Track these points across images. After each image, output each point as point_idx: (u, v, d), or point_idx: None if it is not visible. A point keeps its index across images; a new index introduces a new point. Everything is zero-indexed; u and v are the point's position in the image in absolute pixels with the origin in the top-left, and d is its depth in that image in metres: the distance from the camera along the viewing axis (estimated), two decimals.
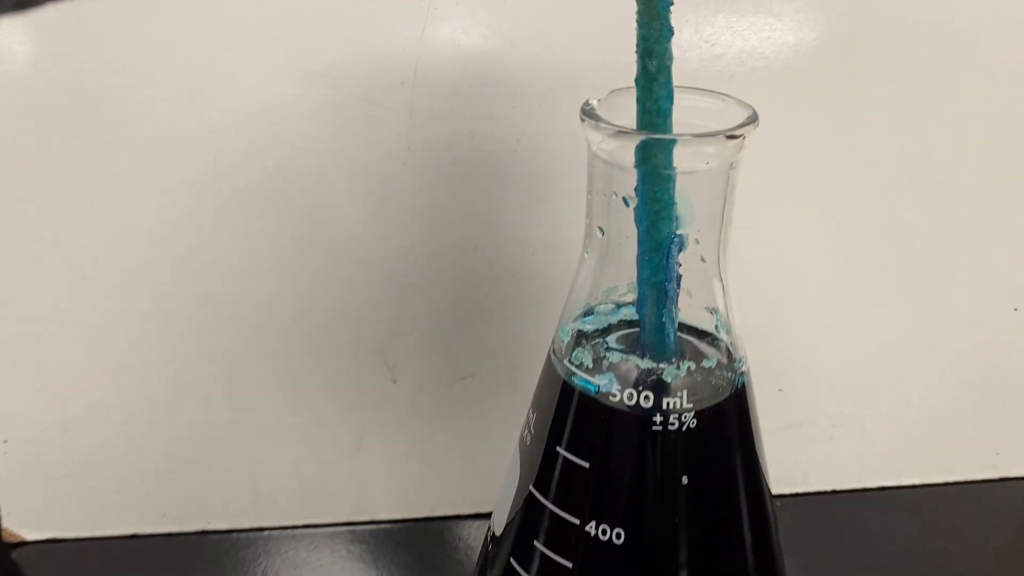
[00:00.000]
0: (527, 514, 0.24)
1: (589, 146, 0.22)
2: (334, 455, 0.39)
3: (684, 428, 0.22)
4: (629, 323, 0.24)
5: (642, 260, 0.22)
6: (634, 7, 0.21)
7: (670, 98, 0.21)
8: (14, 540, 0.39)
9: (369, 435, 0.39)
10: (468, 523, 0.40)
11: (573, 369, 0.24)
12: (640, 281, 0.23)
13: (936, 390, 0.42)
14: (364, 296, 0.37)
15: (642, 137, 0.21)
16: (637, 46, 0.21)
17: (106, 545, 0.39)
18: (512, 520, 0.25)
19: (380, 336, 0.38)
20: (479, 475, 0.40)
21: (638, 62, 0.21)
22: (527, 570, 0.24)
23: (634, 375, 0.23)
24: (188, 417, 0.38)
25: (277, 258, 0.36)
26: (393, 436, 0.39)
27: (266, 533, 0.39)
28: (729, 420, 0.23)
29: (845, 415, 0.41)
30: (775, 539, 0.25)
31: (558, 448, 0.23)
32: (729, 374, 0.24)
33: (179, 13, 0.33)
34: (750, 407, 0.24)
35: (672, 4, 0.20)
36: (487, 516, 0.28)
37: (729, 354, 0.24)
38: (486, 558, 0.27)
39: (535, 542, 0.24)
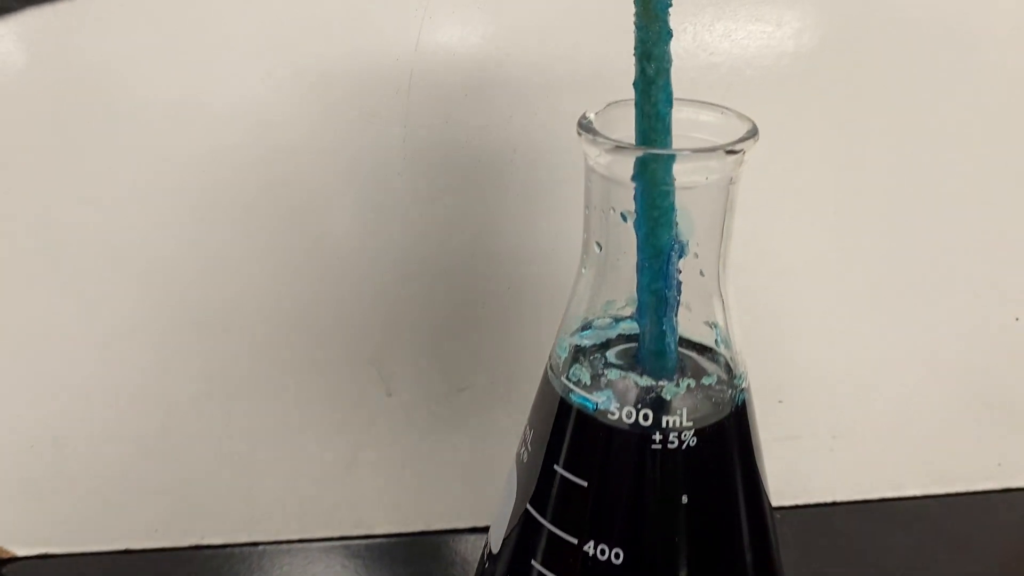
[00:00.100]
0: (524, 532, 0.24)
1: (586, 160, 0.22)
2: (329, 468, 0.39)
3: (684, 447, 0.22)
4: (628, 338, 0.24)
5: (642, 267, 0.22)
6: (631, 13, 0.20)
7: (669, 102, 0.21)
8: (5, 556, 0.38)
9: (364, 448, 0.39)
10: (465, 537, 0.40)
11: (571, 386, 0.23)
12: (640, 288, 0.22)
13: (937, 400, 0.41)
14: (358, 308, 0.37)
15: (640, 152, 0.21)
16: (635, 49, 0.21)
17: (98, 560, 0.38)
18: (509, 538, 0.25)
19: (375, 348, 0.37)
20: (476, 488, 0.39)
21: (636, 65, 0.21)
22: None
23: (633, 392, 0.22)
24: (180, 430, 0.37)
25: (271, 271, 0.36)
26: (389, 449, 0.39)
27: (260, 548, 0.39)
28: (730, 438, 0.23)
29: (845, 426, 0.41)
30: (776, 559, 0.24)
31: (556, 466, 0.23)
32: (729, 391, 0.23)
33: (173, 25, 0.33)
34: (751, 424, 0.24)
35: (671, 5, 0.20)
36: (484, 530, 0.28)
37: (729, 370, 0.24)
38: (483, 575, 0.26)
39: (532, 561, 0.23)
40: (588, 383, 0.23)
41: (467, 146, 0.35)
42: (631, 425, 0.22)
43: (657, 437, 0.22)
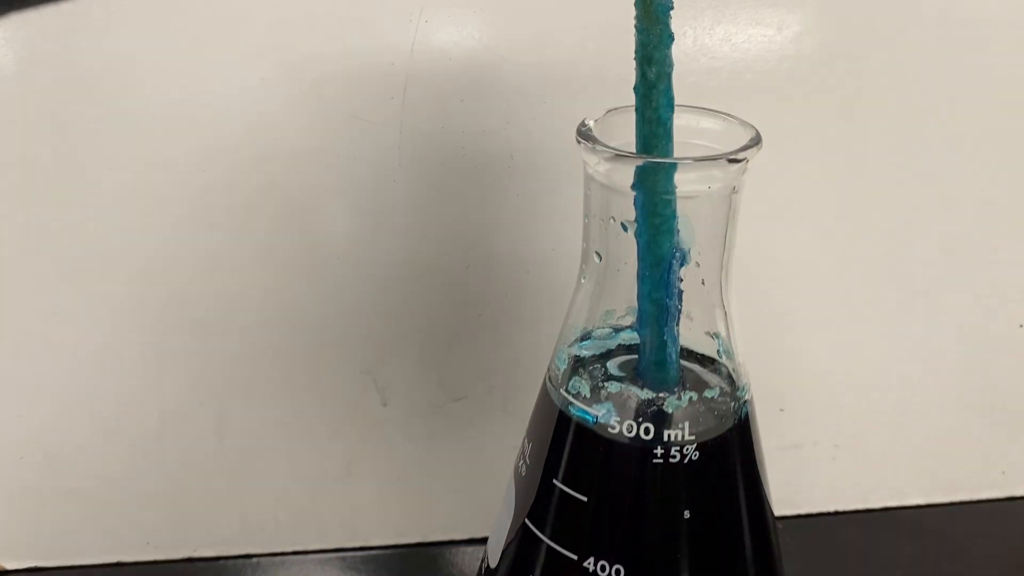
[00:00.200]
0: (522, 548, 0.24)
1: (585, 168, 0.22)
2: (323, 479, 0.38)
3: (686, 461, 0.21)
4: (628, 348, 0.24)
5: (642, 275, 0.22)
6: (632, 17, 0.20)
7: (670, 106, 0.20)
8: None
9: (359, 459, 0.38)
10: (462, 549, 0.39)
11: (570, 398, 0.23)
12: (640, 297, 0.22)
13: (940, 408, 0.41)
14: (353, 316, 0.36)
15: (640, 161, 0.20)
16: (636, 53, 0.20)
17: (89, 574, 0.38)
18: (507, 553, 0.24)
19: (370, 357, 0.37)
20: (473, 499, 0.39)
21: (637, 69, 0.20)
22: None
23: (634, 405, 0.22)
24: (173, 442, 0.37)
25: (265, 278, 0.35)
26: (384, 460, 0.38)
27: (254, 560, 0.39)
28: (732, 451, 0.23)
29: (848, 435, 0.41)
30: (780, 573, 0.24)
31: (555, 481, 0.23)
32: (732, 403, 0.23)
33: (171, 27, 0.33)
34: (753, 437, 0.23)
35: (672, 8, 0.20)
36: (481, 542, 0.27)
37: (732, 382, 0.23)
38: None
39: None
40: (588, 395, 0.23)
41: (464, 151, 0.35)
42: (632, 439, 0.21)
43: (659, 451, 0.21)
